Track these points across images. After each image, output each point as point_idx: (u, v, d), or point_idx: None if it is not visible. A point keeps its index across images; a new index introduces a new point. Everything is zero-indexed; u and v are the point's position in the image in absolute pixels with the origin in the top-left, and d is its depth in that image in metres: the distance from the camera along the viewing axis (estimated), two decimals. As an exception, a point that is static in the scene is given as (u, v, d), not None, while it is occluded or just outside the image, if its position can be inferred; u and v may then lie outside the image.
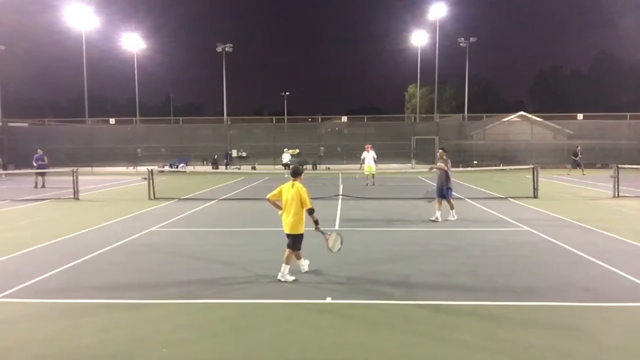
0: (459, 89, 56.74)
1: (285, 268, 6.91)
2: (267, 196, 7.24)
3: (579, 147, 28.21)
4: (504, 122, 39.06)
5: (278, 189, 7.14)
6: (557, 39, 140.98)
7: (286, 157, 29.42)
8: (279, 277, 6.86)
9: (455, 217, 11.92)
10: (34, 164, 21.79)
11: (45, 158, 22.04)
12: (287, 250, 6.98)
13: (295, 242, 6.98)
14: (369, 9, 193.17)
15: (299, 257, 7.21)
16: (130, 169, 35.57)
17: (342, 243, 7.29)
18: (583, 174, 26.24)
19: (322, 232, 7.09)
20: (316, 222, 6.96)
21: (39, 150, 22.12)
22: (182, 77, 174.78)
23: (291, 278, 6.90)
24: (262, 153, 39.38)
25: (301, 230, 6.96)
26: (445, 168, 11.93)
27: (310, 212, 6.85)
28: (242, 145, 40.58)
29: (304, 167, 35.68)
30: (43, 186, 21.18)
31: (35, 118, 49.35)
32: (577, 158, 27.47)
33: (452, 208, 11.99)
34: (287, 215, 6.96)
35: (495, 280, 6.98)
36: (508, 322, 5.39)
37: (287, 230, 6.99)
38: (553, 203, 15.18)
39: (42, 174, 21.57)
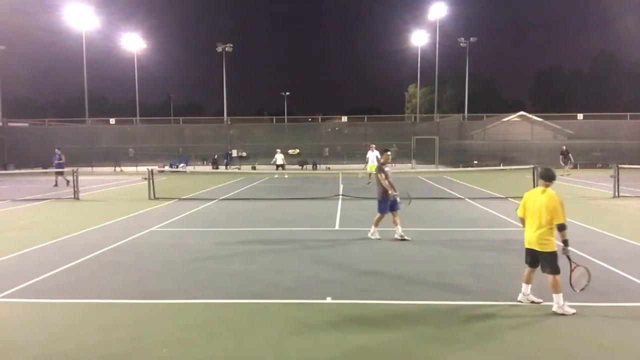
0: (459, 89, 56.67)
1: (557, 297, 5.60)
2: (519, 213, 6.07)
3: (564, 146, 28.29)
4: (504, 122, 39.05)
5: (523, 200, 6.02)
6: (557, 39, 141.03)
7: (280, 158, 28.13)
8: (554, 309, 5.59)
9: (375, 237, 9.72)
10: (55, 163, 22.30)
11: (62, 157, 22.45)
12: (551, 277, 5.62)
13: (548, 262, 5.65)
14: (369, 9, 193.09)
15: (557, 288, 5.59)
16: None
17: (588, 281, 5.81)
18: (567, 175, 25.82)
19: (569, 257, 5.72)
20: (565, 242, 5.63)
21: (56, 150, 22.63)
22: (182, 77, 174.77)
23: (571, 311, 5.56)
24: (262, 153, 39.35)
25: (552, 247, 5.68)
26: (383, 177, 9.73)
27: (562, 227, 5.60)
28: (242, 145, 40.53)
29: (304, 167, 35.85)
30: (56, 185, 21.48)
31: (35, 118, 49.30)
32: (565, 157, 27.34)
33: (376, 225, 9.86)
34: (531, 228, 5.79)
35: (495, 280, 6.98)
36: (508, 322, 5.40)
37: (534, 246, 5.76)
38: (553, 203, 15.14)
39: (60, 173, 21.83)
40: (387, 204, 9.68)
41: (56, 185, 21.69)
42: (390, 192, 9.58)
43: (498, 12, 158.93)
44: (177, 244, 9.62)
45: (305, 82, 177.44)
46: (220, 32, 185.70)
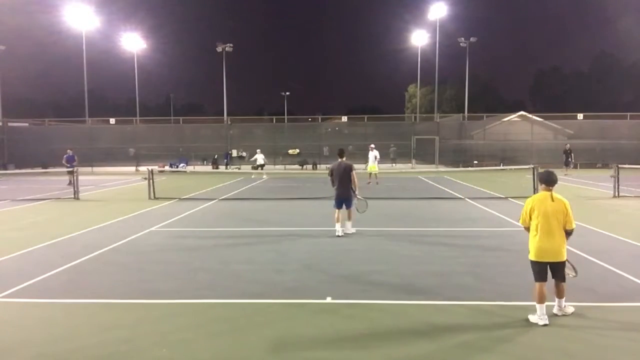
0: (459, 89, 56.67)
1: (562, 301, 5.51)
2: (521, 222, 5.68)
3: (567, 145, 28.32)
4: (504, 122, 39.01)
5: (525, 207, 5.54)
6: (557, 39, 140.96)
7: (260, 158, 26.85)
8: (554, 311, 5.52)
9: (351, 231, 10.34)
10: (66, 164, 22.44)
11: (75, 157, 23.05)
12: (559, 284, 5.42)
13: (563, 270, 5.41)
14: (369, 8, 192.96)
15: (564, 293, 5.47)
16: (135, 169, 35.36)
17: (574, 274, 5.56)
18: (565, 174, 25.72)
19: (572, 264, 5.55)
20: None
21: (68, 150, 23.11)
22: (182, 77, 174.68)
23: (571, 310, 5.56)
24: (262, 153, 39.34)
25: (565, 255, 5.44)
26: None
27: (570, 233, 5.41)
28: (242, 145, 40.49)
29: (304, 167, 35.82)
30: (70, 183, 21.56)
31: (36, 118, 49.29)
32: (569, 157, 27.28)
33: (349, 219, 10.45)
34: (548, 237, 5.31)
35: (495, 280, 6.98)
36: (508, 322, 5.40)
37: (551, 258, 5.35)
38: (553, 203, 15.13)
39: (72, 172, 21.97)
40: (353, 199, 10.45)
41: (70, 183, 21.65)
42: (356, 191, 10.38)
43: (498, 12, 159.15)
44: (177, 244, 9.62)
45: (305, 82, 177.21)
46: (220, 32, 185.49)
